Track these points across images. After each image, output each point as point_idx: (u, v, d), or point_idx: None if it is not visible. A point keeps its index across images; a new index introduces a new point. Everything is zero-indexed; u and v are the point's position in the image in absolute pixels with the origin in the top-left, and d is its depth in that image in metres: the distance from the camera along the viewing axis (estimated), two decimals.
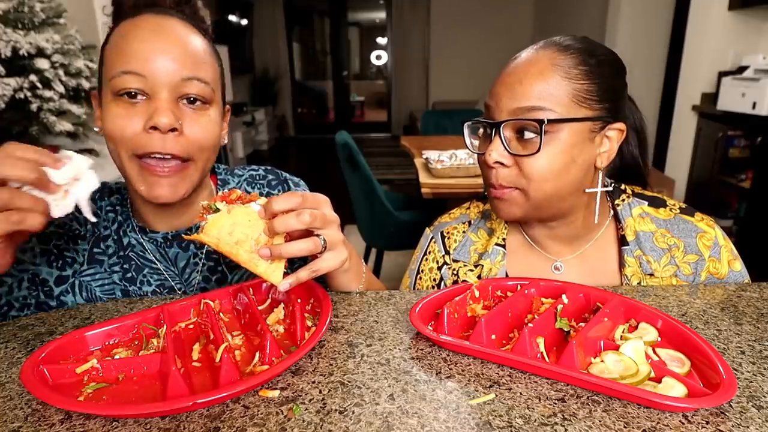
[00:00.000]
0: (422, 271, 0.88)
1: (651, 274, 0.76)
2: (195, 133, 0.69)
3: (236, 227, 0.57)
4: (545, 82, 0.67)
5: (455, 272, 0.85)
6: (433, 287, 0.87)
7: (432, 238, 0.89)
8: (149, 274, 0.79)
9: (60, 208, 0.55)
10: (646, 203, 0.80)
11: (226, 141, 0.79)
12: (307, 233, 0.61)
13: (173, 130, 0.66)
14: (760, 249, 2.80)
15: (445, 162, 2.21)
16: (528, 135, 0.68)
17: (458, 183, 2.07)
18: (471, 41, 7.64)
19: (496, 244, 0.83)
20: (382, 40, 9.03)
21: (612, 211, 0.81)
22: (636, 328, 0.59)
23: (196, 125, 0.69)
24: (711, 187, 3.18)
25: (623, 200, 0.80)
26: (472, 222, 0.88)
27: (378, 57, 9.35)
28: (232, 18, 6.67)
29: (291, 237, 0.61)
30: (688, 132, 3.43)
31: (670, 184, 3.51)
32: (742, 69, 3.05)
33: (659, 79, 4.48)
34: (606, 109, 0.70)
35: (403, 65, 8.06)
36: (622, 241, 0.78)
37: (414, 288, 0.90)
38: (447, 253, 0.86)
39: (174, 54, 0.67)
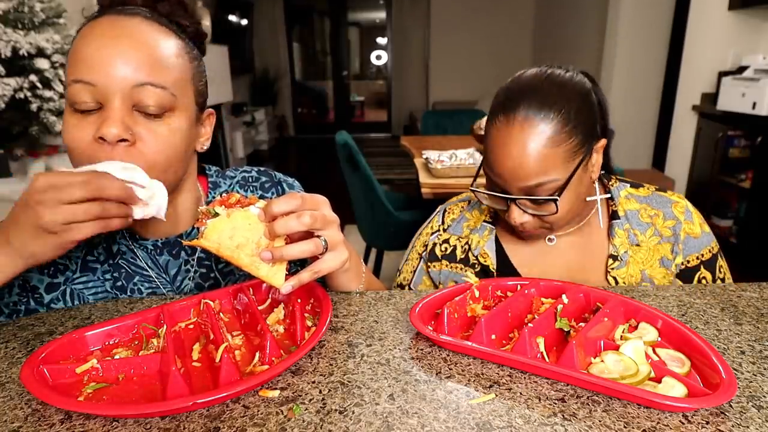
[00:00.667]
0: (420, 234, 0.99)
1: (638, 245, 0.85)
2: (149, 146, 0.64)
3: (236, 231, 0.57)
4: (542, 159, 0.73)
5: (446, 240, 0.95)
6: (423, 246, 0.97)
7: (438, 212, 0.99)
8: (140, 282, 0.77)
9: (140, 213, 0.63)
10: (628, 185, 0.89)
11: (205, 148, 0.76)
12: (308, 235, 0.61)
13: (122, 140, 0.62)
14: (760, 249, 2.81)
15: (445, 162, 2.21)
16: (541, 200, 0.76)
17: (458, 183, 2.07)
18: (471, 41, 7.64)
19: (484, 221, 0.92)
20: (382, 40, 9.02)
21: (603, 191, 0.89)
22: (636, 328, 0.59)
23: (151, 136, 0.64)
24: (711, 187, 3.18)
25: (614, 183, 0.90)
26: (471, 202, 0.97)
27: (378, 57, 9.34)
28: (232, 18, 6.66)
29: (291, 239, 0.61)
30: (688, 132, 3.43)
31: (670, 184, 3.52)
32: (742, 69, 3.05)
33: (659, 79, 4.48)
34: (589, 143, 0.77)
35: (403, 65, 8.06)
36: (613, 216, 0.87)
37: (408, 255, 1.00)
38: (442, 223, 0.97)
39: (125, 58, 0.62)
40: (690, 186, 3.43)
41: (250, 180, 0.87)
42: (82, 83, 0.62)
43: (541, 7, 7.12)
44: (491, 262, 0.89)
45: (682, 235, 0.84)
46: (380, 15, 8.74)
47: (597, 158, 0.80)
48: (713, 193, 3.17)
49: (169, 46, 0.66)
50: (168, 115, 0.66)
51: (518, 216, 0.78)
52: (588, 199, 0.82)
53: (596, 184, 0.84)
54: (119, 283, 0.77)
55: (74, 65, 0.63)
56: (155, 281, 0.78)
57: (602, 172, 0.90)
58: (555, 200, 0.74)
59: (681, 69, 3.51)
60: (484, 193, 0.81)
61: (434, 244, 0.95)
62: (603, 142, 0.79)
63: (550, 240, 0.89)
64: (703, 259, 0.85)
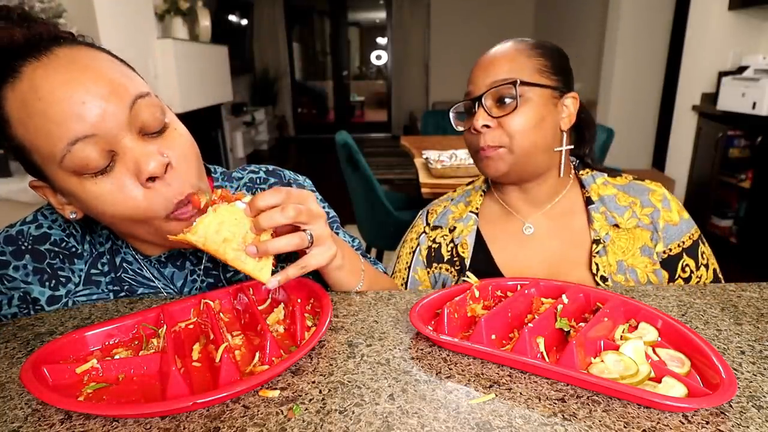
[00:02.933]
0: (405, 240, 1.03)
1: (616, 225, 0.87)
2: (178, 157, 0.61)
3: (223, 226, 0.58)
4: (513, 61, 0.83)
5: (432, 239, 0.98)
6: (409, 253, 1.00)
7: (420, 214, 1.03)
8: (145, 294, 0.76)
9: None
10: (606, 174, 0.93)
11: None
12: (295, 229, 0.61)
13: (167, 165, 0.59)
14: (760, 249, 2.81)
15: (445, 162, 2.21)
16: (506, 101, 0.82)
17: (458, 183, 2.05)
18: (471, 41, 7.63)
19: (470, 212, 0.96)
20: (382, 40, 9.02)
21: (576, 179, 0.94)
22: (636, 328, 0.59)
23: (173, 147, 0.61)
24: (711, 187, 3.18)
25: (587, 172, 0.94)
26: (454, 198, 1.02)
27: (378, 57, 9.34)
28: (232, 18, 6.66)
29: (277, 234, 0.61)
30: (688, 132, 3.43)
31: (670, 184, 3.52)
32: (742, 69, 3.05)
33: (659, 79, 4.48)
34: (561, 81, 0.86)
35: (403, 65, 8.05)
36: (588, 202, 0.90)
37: (397, 256, 1.03)
38: (427, 224, 1.00)
39: (98, 88, 0.55)
40: (690, 186, 3.43)
41: (258, 182, 0.84)
42: (83, 140, 0.54)
43: (541, 8, 7.12)
44: (468, 254, 0.92)
45: (660, 222, 0.86)
46: (380, 15, 8.74)
47: (569, 109, 0.86)
48: (713, 193, 3.17)
49: (106, 56, 0.60)
50: (167, 122, 0.62)
51: (482, 118, 0.83)
52: (556, 149, 0.87)
53: (564, 137, 0.88)
54: (122, 295, 0.75)
55: (51, 130, 0.54)
56: (162, 292, 0.76)
57: (577, 161, 0.95)
58: (514, 83, 0.80)
59: (681, 69, 3.51)
60: (459, 102, 0.89)
61: (428, 248, 0.97)
62: (574, 95, 0.87)
63: (527, 229, 0.91)
64: (685, 246, 0.86)
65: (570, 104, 0.86)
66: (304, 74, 9.13)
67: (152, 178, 0.58)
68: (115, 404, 0.48)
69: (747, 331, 0.60)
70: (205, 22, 4.04)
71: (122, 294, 0.75)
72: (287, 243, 0.59)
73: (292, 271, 0.61)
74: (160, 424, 0.45)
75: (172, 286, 0.77)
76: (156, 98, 0.61)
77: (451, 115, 0.92)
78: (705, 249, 0.88)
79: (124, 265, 0.75)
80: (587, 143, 0.95)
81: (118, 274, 0.75)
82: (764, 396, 0.48)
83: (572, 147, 0.90)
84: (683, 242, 0.86)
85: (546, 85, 0.83)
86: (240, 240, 0.58)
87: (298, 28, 8.74)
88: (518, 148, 0.82)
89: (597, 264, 0.85)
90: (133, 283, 0.75)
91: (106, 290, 0.74)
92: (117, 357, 0.55)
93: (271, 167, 0.87)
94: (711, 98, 3.27)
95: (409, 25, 7.85)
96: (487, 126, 0.83)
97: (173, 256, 0.76)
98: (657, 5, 4.29)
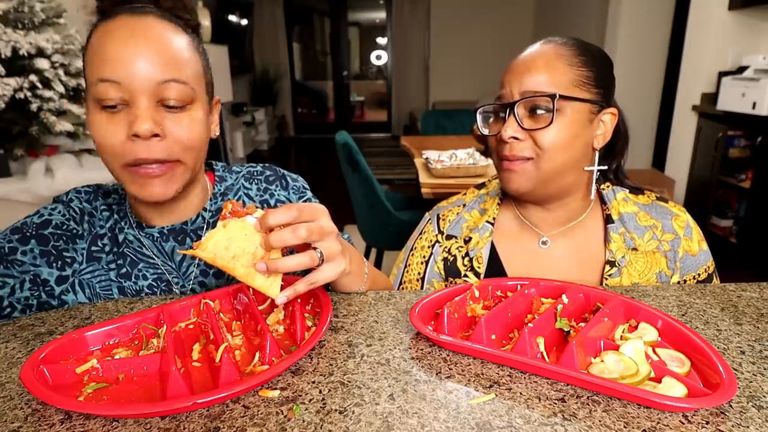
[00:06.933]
0: (415, 248, 0.96)
1: (635, 249, 0.84)
2: (178, 136, 0.69)
3: (232, 242, 0.57)
4: (551, 69, 0.76)
5: (446, 249, 0.92)
6: (422, 263, 0.94)
7: (429, 219, 0.97)
8: (145, 268, 0.79)
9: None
10: (627, 191, 0.89)
11: (217, 134, 0.79)
12: (305, 245, 0.61)
13: (155, 135, 0.66)
14: (760, 249, 2.81)
15: (445, 162, 2.21)
16: (539, 112, 0.76)
17: (458, 183, 2.07)
18: (471, 41, 7.63)
19: (486, 221, 0.91)
20: (382, 40, 9.02)
21: (597, 194, 0.90)
22: (636, 328, 0.59)
23: (178, 127, 0.69)
24: (711, 187, 3.18)
25: (608, 186, 0.89)
26: (467, 204, 0.96)
27: (378, 57, 9.34)
28: (232, 18, 6.65)
29: (287, 249, 0.61)
30: (688, 132, 3.43)
31: (670, 184, 3.52)
32: (742, 69, 3.05)
33: (659, 79, 4.48)
34: (601, 95, 0.79)
35: (403, 65, 8.05)
36: (607, 220, 0.86)
37: (405, 264, 0.96)
38: (440, 232, 0.94)
39: (149, 57, 0.66)
40: (690, 186, 3.43)
41: (255, 174, 0.90)
42: (109, 82, 0.65)
43: (541, 8, 7.12)
44: (483, 268, 0.88)
45: (680, 252, 0.83)
46: (380, 15, 8.73)
47: (606, 126, 0.81)
48: (713, 193, 3.17)
49: (182, 42, 0.70)
50: (189, 107, 0.70)
51: (512, 128, 0.77)
52: (586, 168, 0.82)
53: (596, 156, 0.82)
54: (123, 270, 0.79)
55: (97, 65, 0.66)
56: (161, 268, 0.80)
57: (598, 173, 0.88)
58: (554, 97, 0.74)
59: (681, 69, 3.51)
60: (488, 104, 0.84)
61: (444, 260, 0.92)
62: (613, 111, 0.80)
63: (543, 243, 0.87)
64: (699, 279, 0.85)
65: (608, 120, 0.80)
66: (304, 74, 9.13)
67: (136, 136, 0.66)
68: (115, 404, 0.48)
69: (747, 331, 0.60)
70: (205, 22, 4.04)
71: (123, 270, 0.79)
72: (298, 263, 0.59)
73: (301, 286, 0.61)
74: (160, 424, 0.45)
75: (171, 263, 0.80)
76: (193, 90, 0.70)
77: (478, 116, 0.85)
78: (716, 282, 0.86)
79: (126, 242, 0.80)
80: (617, 157, 0.90)
81: (120, 250, 0.79)
82: (764, 396, 0.48)
83: (605, 168, 0.85)
84: (698, 274, 0.84)
85: (585, 99, 0.77)
86: (249, 256, 0.58)
87: (298, 28, 8.73)
88: (546, 164, 0.77)
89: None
90: (134, 258, 0.79)
91: (106, 267, 0.79)
92: (117, 357, 0.55)
93: (267, 165, 0.93)
94: (711, 98, 3.27)
95: (409, 25, 7.84)
96: (517, 138, 0.77)
97: (174, 230, 0.80)
98: (657, 5, 4.29)
